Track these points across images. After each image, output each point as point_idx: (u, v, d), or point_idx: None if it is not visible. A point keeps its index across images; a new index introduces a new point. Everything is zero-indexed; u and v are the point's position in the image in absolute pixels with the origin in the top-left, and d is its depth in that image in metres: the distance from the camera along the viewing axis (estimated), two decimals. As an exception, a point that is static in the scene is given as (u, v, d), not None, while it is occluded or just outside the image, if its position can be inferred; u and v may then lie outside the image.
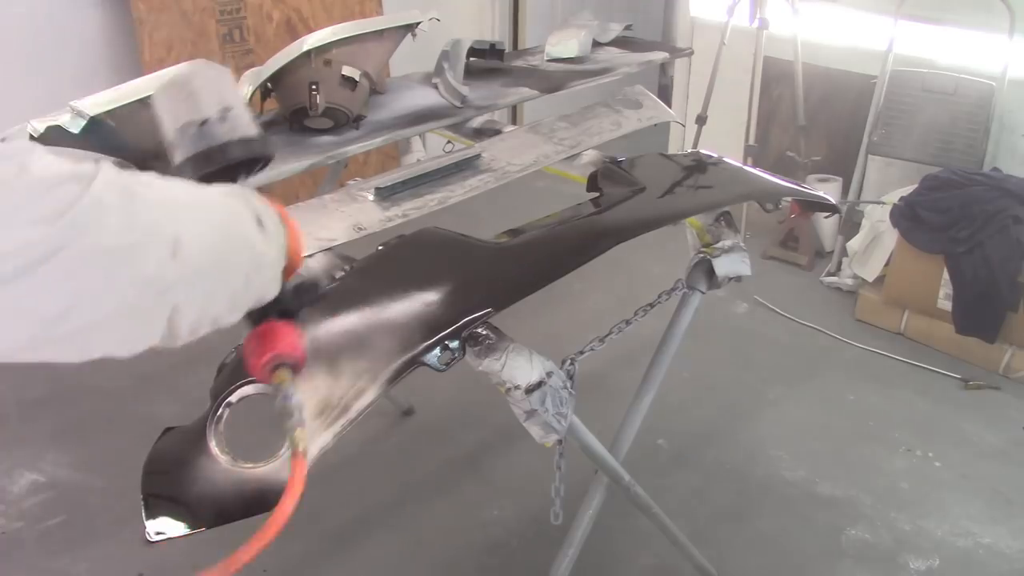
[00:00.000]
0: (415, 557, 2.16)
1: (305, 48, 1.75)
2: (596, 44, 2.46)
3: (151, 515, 0.95)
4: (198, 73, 0.90)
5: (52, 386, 2.81)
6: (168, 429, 1.03)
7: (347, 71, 1.80)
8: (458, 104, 2.00)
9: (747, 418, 2.68)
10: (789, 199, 3.23)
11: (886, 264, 3.14)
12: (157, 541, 0.93)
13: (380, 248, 1.32)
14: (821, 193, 1.90)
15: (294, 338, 0.83)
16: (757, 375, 2.89)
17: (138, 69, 3.28)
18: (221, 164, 0.86)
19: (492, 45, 2.24)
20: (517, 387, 1.21)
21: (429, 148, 2.15)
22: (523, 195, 3.10)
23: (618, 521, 2.17)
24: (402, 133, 1.89)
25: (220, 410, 1.00)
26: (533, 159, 1.73)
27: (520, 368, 1.21)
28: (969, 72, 3.18)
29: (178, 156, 0.89)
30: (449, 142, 1.98)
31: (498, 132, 1.92)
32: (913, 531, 2.22)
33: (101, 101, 1.43)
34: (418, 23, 1.96)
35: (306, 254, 1.31)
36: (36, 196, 0.55)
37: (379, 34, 1.90)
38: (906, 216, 2.96)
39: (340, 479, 2.38)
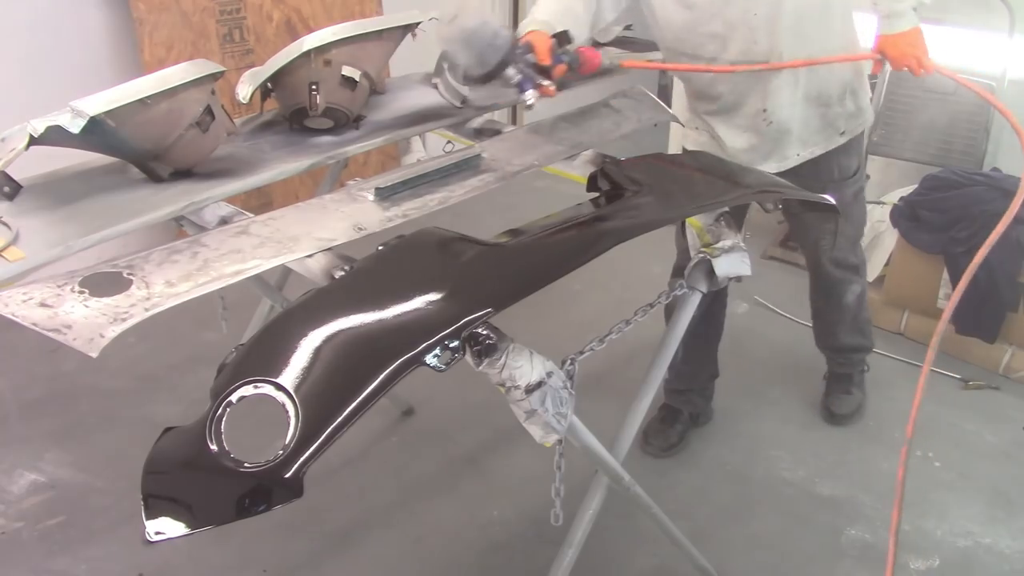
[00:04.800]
0: (415, 557, 2.16)
1: (305, 48, 1.75)
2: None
3: (151, 515, 0.94)
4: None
5: (52, 386, 2.82)
6: (168, 429, 1.03)
7: (347, 71, 1.80)
8: (458, 104, 2.00)
9: (747, 418, 2.68)
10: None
11: (886, 264, 3.14)
12: (157, 541, 0.93)
13: (380, 248, 1.32)
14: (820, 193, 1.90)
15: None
16: (757, 375, 2.89)
17: (138, 69, 3.28)
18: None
19: (492, 45, 2.24)
20: (517, 387, 1.21)
21: (429, 148, 2.15)
22: (523, 195, 3.10)
23: (618, 521, 2.17)
24: (402, 133, 1.89)
25: (220, 410, 1.00)
26: (533, 159, 1.73)
27: (520, 368, 1.21)
28: (969, 72, 3.17)
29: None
30: (449, 142, 1.98)
31: (498, 132, 1.92)
32: (913, 531, 2.22)
33: (101, 101, 1.43)
34: (418, 23, 1.96)
35: (306, 254, 1.32)
36: None
37: (379, 34, 1.90)
38: (906, 216, 2.96)
39: (340, 479, 2.38)
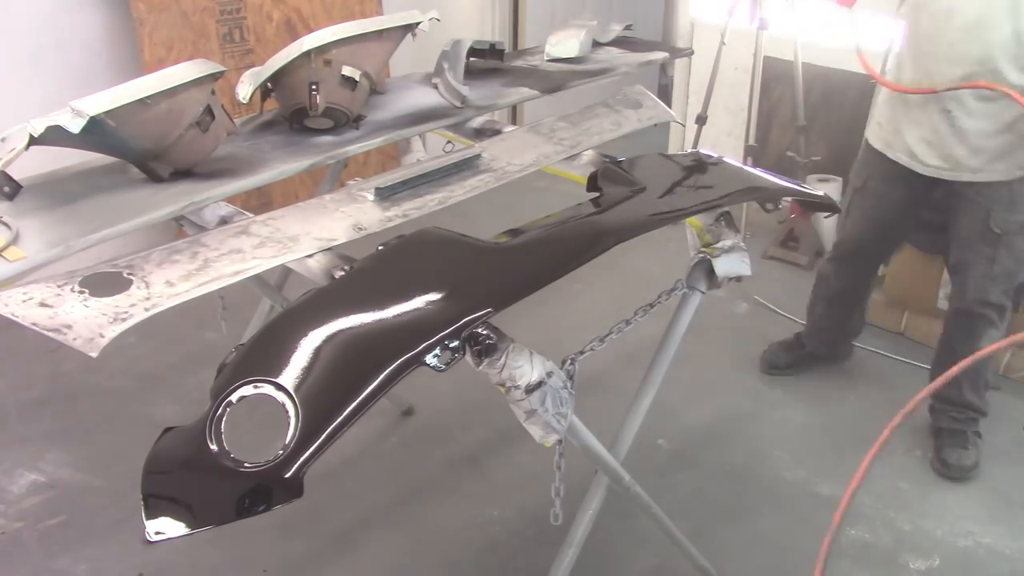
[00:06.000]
0: (415, 557, 2.17)
1: (305, 48, 1.75)
2: (596, 44, 2.46)
3: (151, 515, 0.94)
4: None
5: (52, 386, 2.82)
6: (168, 429, 1.03)
7: (347, 71, 1.80)
8: (458, 104, 2.00)
9: (747, 418, 2.68)
10: (789, 199, 3.22)
11: (886, 264, 3.13)
12: (157, 541, 0.93)
13: (380, 248, 1.32)
14: (821, 193, 1.90)
15: None
16: (757, 375, 2.89)
17: (138, 69, 3.28)
18: None
19: (492, 45, 2.24)
20: (517, 387, 1.21)
21: (429, 148, 2.15)
22: (523, 195, 3.10)
23: (618, 521, 2.17)
24: (402, 133, 1.89)
25: (220, 410, 1.00)
26: (533, 159, 1.73)
27: (520, 368, 1.21)
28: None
29: None
30: (449, 142, 1.98)
31: (498, 132, 1.92)
32: (913, 531, 2.22)
33: (101, 101, 1.43)
34: (418, 23, 1.96)
35: (306, 254, 1.32)
36: None
37: (379, 34, 1.90)
38: (906, 216, 2.97)
39: (340, 479, 2.38)
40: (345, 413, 1.00)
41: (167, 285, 1.20)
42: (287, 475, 0.95)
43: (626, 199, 1.54)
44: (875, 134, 2.42)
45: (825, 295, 2.74)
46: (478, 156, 1.67)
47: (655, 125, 2.11)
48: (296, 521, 2.21)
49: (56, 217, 1.43)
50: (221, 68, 1.62)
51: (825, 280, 2.73)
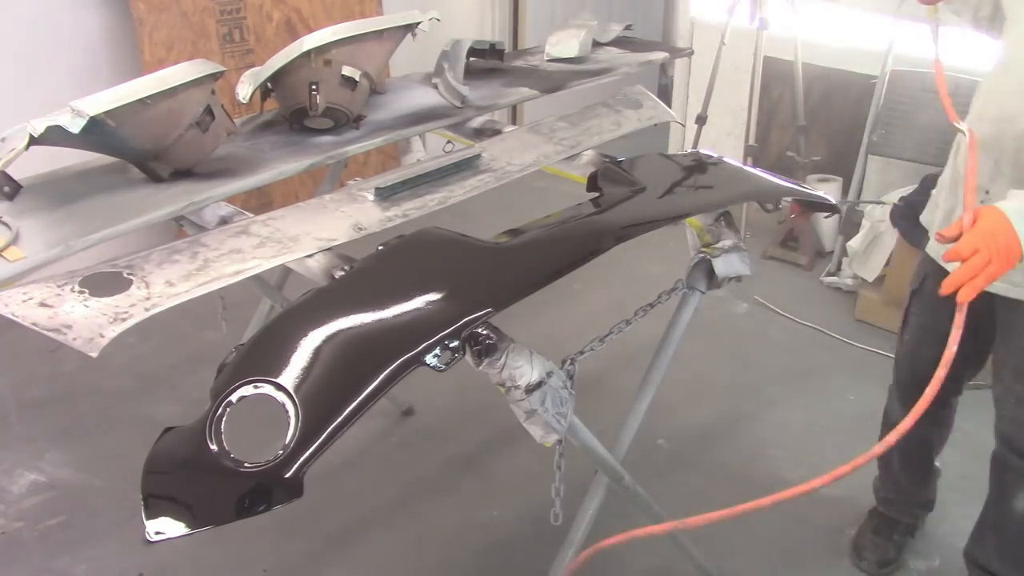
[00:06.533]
0: (415, 557, 2.16)
1: (305, 48, 1.75)
2: (596, 44, 2.46)
3: (151, 515, 0.94)
4: None
5: (52, 386, 2.82)
6: (168, 429, 1.03)
7: (347, 71, 1.80)
8: (458, 104, 2.00)
9: (747, 418, 2.68)
10: (789, 199, 3.23)
11: (886, 264, 3.14)
12: (157, 541, 0.93)
13: (380, 248, 1.32)
14: (821, 193, 1.90)
15: None
16: (757, 375, 2.89)
17: (138, 69, 3.28)
18: None
19: (492, 45, 2.24)
20: (517, 387, 1.21)
21: (429, 148, 2.15)
22: (523, 195, 3.10)
23: (618, 521, 2.16)
24: (402, 133, 1.89)
25: (220, 410, 1.00)
26: (533, 159, 1.73)
27: (520, 368, 1.21)
28: (969, 72, 3.18)
29: None
30: (449, 142, 1.98)
31: (498, 132, 1.92)
32: (913, 531, 2.22)
33: (101, 101, 1.43)
34: (418, 23, 1.96)
35: (306, 254, 1.32)
36: None
37: (379, 34, 1.90)
38: (906, 216, 2.96)
39: (340, 479, 2.38)
40: (345, 413, 1.00)
41: (167, 285, 1.20)
42: (287, 475, 0.95)
43: (626, 199, 1.54)
44: (930, 216, 1.87)
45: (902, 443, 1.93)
46: (478, 156, 1.67)
47: (655, 125, 2.11)
48: (296, 521, 2.21)
49: (56, 217, 1.43)
50: (221, 68, 1.62)
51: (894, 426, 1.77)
